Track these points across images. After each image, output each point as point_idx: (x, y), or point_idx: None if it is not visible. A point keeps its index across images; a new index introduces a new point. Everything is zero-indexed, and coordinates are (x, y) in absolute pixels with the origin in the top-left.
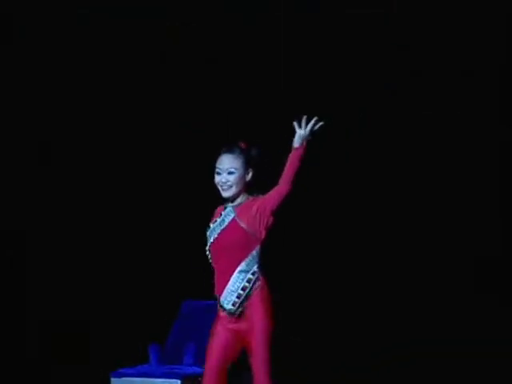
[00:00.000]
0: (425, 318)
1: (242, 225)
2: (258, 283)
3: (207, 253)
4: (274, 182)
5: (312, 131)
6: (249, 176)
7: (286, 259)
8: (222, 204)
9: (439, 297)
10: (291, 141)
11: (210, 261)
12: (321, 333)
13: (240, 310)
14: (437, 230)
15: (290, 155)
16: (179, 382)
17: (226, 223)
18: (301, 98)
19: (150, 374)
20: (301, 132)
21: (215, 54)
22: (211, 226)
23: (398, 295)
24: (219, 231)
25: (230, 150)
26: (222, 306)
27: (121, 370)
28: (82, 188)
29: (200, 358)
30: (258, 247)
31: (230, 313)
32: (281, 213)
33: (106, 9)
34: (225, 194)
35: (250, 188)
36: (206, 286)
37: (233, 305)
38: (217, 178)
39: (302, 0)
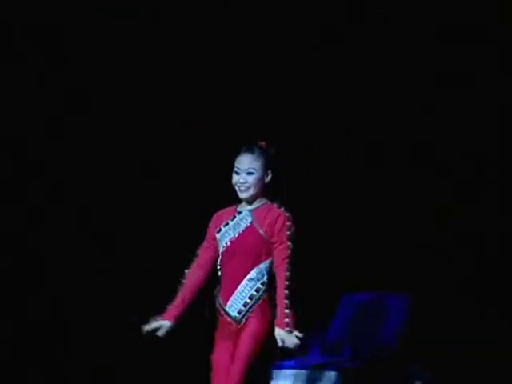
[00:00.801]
0: (425, 318)
1: (261, 231)
2: (266, 294)
3: (219, 257)
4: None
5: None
6: (268, 178)
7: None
8: (229, 206)
9: (439, 297)
10: (290, 141)
11: (219, 264)
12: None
13: (245, 318)
14: (435, 231)
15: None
16: (335, 373)
17: (242, 227)
18: (301, 97)
19: (309, 366)
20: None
21: (215, 54)
22: (222, 228)
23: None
24: (235, 235)
25: (250, 150)
26: (227, 313)
27: (280, 362)
28: (84, 188)
29: (360, 352)
30: (270, 258)
31: (235, 320)
32: None
33: (106, 9)
34: (242, 196)
35: (268, 191)
36: (366, 279)
37: (238, 313)
38: (235, 178)
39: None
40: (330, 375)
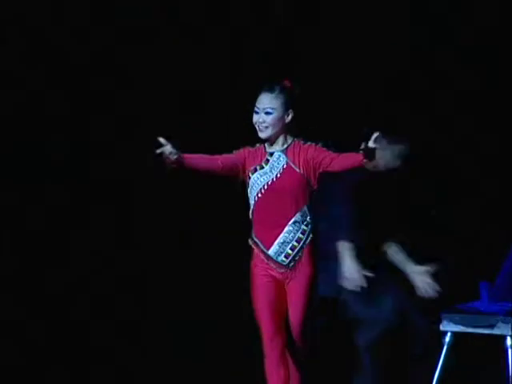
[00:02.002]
0: None
1: (298, 170)
2: (311, 236)
3: (252, 201)
4: (313, 125)
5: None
6: (289, 118)
7: None
8: (251, 146)
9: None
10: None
11: (253, 209)
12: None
13: (292, 263)
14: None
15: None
16: (508, 318)
17: (279, 169)
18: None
19: (483, 311)
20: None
21: (214, 52)
22: (258, 169)
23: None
24: (273, 178)
25: (269, 89)
26: (271, 258)
27: (452, 307)
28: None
29: None
30: (309, 198)
31: (282, 265)
32: None
33: (108, 9)
34: (261, 135)
35: (291, 130)
36: None
37: (285, 257)
38: (254, 118)
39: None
40: (502, 319)
